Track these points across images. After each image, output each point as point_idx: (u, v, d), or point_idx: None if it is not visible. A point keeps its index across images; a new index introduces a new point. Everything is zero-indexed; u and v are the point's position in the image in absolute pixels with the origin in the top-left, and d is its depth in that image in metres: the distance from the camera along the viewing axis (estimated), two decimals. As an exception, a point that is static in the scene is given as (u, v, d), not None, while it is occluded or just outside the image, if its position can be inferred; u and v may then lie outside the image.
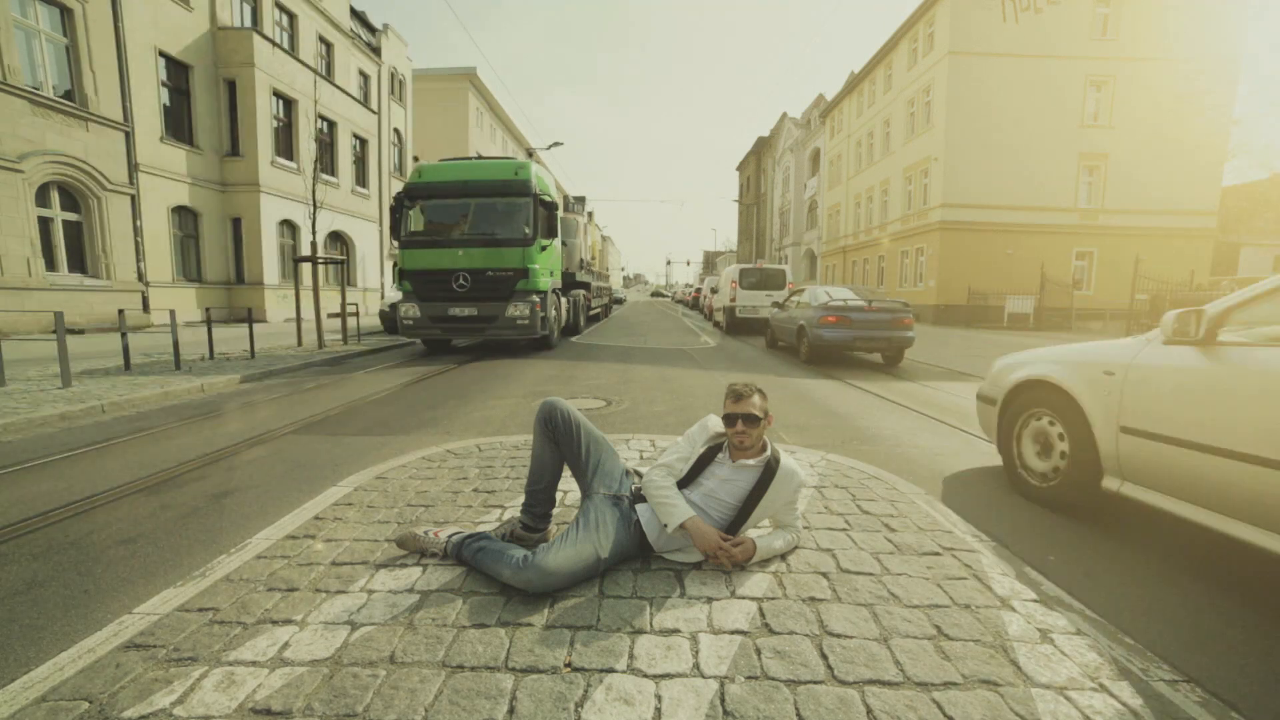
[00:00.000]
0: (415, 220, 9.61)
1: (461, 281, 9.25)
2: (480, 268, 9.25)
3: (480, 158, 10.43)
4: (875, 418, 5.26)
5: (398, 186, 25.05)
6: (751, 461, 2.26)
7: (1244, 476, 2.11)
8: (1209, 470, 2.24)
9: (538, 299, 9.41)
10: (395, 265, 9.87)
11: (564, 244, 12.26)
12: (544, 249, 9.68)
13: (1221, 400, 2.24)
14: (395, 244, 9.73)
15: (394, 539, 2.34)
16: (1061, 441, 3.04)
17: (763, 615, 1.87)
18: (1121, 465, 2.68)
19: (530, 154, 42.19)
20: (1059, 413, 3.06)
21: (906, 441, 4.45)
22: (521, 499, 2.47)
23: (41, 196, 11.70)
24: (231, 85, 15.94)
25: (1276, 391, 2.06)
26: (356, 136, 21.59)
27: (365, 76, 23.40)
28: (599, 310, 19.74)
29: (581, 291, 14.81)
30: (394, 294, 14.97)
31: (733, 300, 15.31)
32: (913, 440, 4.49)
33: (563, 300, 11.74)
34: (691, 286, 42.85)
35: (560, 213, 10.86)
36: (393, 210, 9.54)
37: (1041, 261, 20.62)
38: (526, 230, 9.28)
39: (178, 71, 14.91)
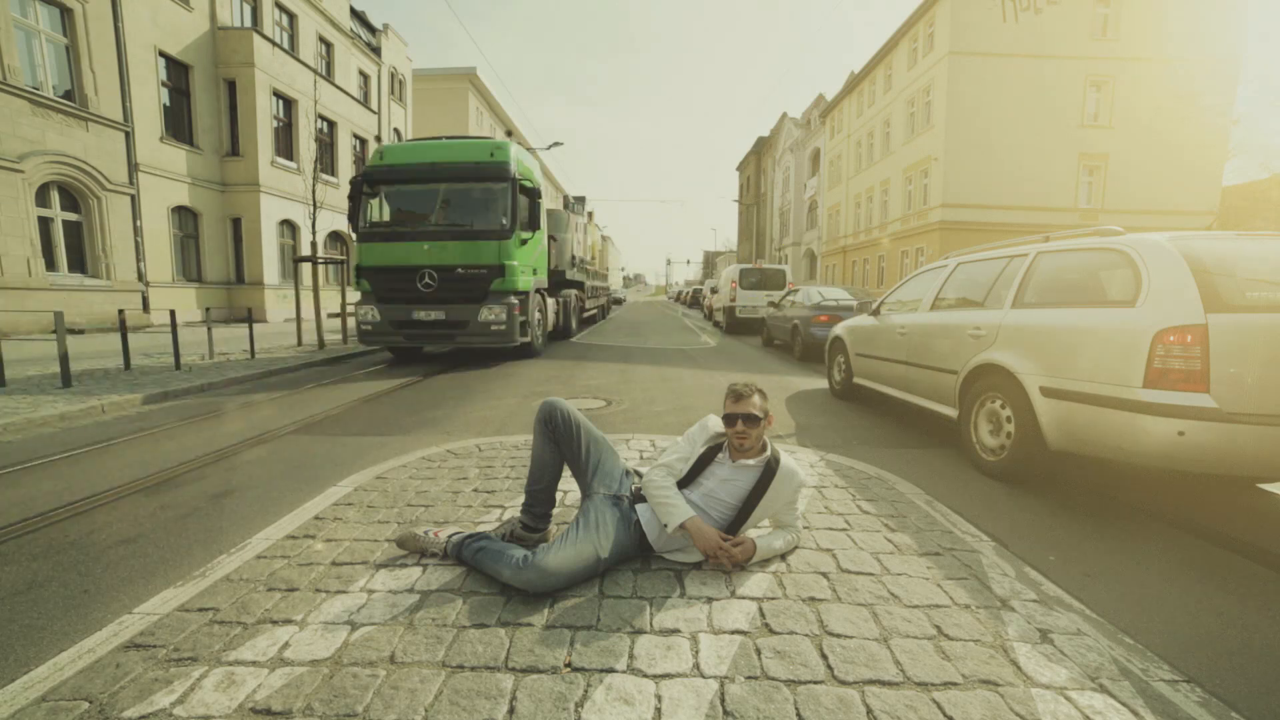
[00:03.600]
0: (376, 209, 8.45)
1: (427, 280, 8.02)
2: (449, 264, 8.02)
3: (453, 138, 8.97)
4: (874, 417, 5.26)
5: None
6: (751, 461, 2.26)
7: (888, 367, 5.07)
8: (878, 366, 5.27)
9: (516, 301, 8.23)
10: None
11: (553, 239, 11.07)
12: (524, 243, 8.50)
13: (878, 335, 5.33)
14: (353, 235, 8.54)
15: (394, 539, 2.34)
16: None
17: (763, 615, 1.87)
18: (857, 370, 5.75)
19: (529, 153, 42.20)
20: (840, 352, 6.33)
21: (906, 441, 4.45)
22: (521, 499, 2.47)
23: (41, 196, 11.69)
24: (231, 85, 15.94)
25: (887, 330, 5.15)
26: (356, 136, 21.58)
27: (365, 76, 23.41)
28: (595, 311, 18.62)
29: (573, 291, 13.51)
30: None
31: (733, 300, 15.30)
32: (912, 439, 4.48)
33: (549, 302, 10.64)
34: (690, 286, 47.47)
35: (556, 207, 10.01)
36: (350, 196, 8.33)
37: (1041, 261, 20.64)
38: (504, 221, 8.10)
39: (178, 71, 14.91)
